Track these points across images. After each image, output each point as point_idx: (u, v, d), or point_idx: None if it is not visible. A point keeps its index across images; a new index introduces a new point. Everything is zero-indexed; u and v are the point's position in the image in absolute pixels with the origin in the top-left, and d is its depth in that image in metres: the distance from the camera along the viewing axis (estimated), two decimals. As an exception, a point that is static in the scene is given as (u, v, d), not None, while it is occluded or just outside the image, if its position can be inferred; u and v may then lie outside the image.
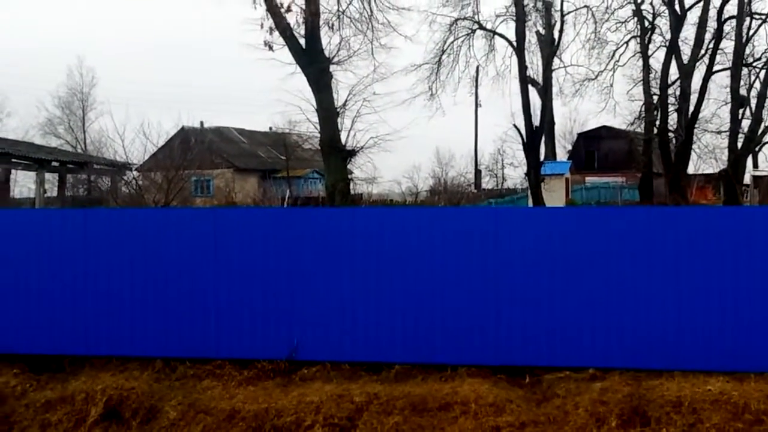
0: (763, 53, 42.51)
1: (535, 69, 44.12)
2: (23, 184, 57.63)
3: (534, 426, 13.18)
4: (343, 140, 34.14)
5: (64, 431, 14.10)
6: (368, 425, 13.43)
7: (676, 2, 41.23)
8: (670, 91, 42.41)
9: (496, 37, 43.39)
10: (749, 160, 46.74)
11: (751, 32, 42.09)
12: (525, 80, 41.52)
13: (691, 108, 40.95)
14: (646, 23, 43.48)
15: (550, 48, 42.56)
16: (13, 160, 44.44)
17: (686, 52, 41.68)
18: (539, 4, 42.92)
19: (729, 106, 41.73)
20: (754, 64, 43.30)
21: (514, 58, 42.13)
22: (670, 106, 42.41)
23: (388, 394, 13.90)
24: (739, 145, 41.21)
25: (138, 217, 16.75)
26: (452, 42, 42.59)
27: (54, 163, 47.86)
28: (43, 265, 15.86)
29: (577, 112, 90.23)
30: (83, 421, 14.16)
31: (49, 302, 15.78)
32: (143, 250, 15.63)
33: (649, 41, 43.68)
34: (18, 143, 52.28)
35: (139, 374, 15.02)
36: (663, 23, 43.51)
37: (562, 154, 78.56)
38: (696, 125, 42.28)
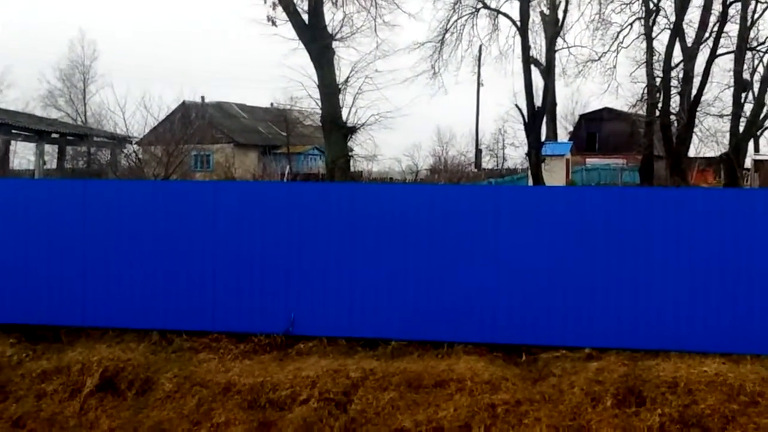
0: (767, 37, 42.42)
1: (538, 49, 44.01)
2: (23, 155, 57.50)
3: (529, 404, 13.21)
4: (344, 117, 34.09)
5: (59, 401, 14.11)
6: (364, 400, 13.46)
7: (682, -16, 41.00)
8: (673, 73, 42.19)
9: (499, 16, 43.37)
10: (750, 144, 46.54)
11: (756, 16, 41.87)
12: (528, 60, 41.34)
13: (694, 91, 40.75)
14: (651, 5, 43.21)
15: (553, 28, 42.38)
16: (13, 131, 44.36)
17: (690, 34, 41.46)
18: (544, -16, 42.79)
19: (732, 89, 41.54)
20: (758, 48, 43.12)
21: (518, 38, 41.99)
22: (672, 88, 42.20)
23: (384, 370, 13.92)
24: (741, 129, 41.08)
25: (137, 189, 16.70)
26: (456, 20, 42.56)
27: (54, 135, 47.77)
28: (41, 236, 15.84)
29: (580, 94, 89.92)
30: (79, 391, 14.18)
31: (45, 273, 15.78)
32: (141, 222, 15.61)
33: (654, 23, 43.43)
34: (18, 114, 52.12)
35: (136, 346, 15.04)
36: (668, 5, 43.29)
37: (563, 135, 78.39)
38: (698, 108, 42.08)
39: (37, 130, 45.10)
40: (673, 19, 42.10)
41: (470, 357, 14.22)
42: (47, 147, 48.12)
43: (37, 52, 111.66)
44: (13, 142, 48.58)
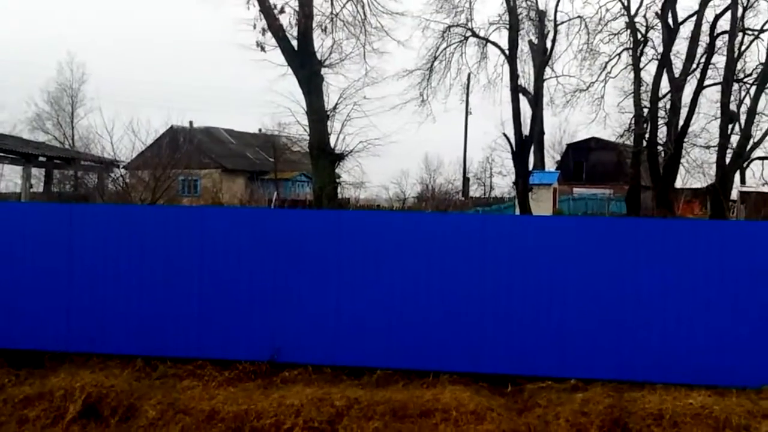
0: (754, 69, 42.65)
1: (526, 78, 44.22)
2: (9, 178, 57.22)
3: (514, 435, 13.16)
4: (332, 144, 34.11)
5: (41, 427, 13.99)
6: (348, 430, 13.37)
7: (669, 16, 41.28)
8: (661, 104, 42.45)
9: (488, 45, 43.53)
10: (737, 176, 46.78)
11: (743, 48, 42.29)
12: (516, 89, 41.53)
13: (681, 122, 41.01)
14: (639, 36, 43.56)
15: (542, 57, 42.63)
16: (0, 154, 44.20)
17: (678, 65, 41.78)
18: (533, 13, 43.05)
19: (719, 121, 41.77)
20: (745, 80, 43.50)
21: (506, 67, 42.24)
22: (659, 119, 42.46)
23: (369, 399, 13.85)
24: (728, 160, 41.26)
25: (123, 214, 16.62)
26: (444, 48, 42.69)
27: (41, 158, 47.62)
28: (26, 259, 15.76)
29: (567, 123, 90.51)
30: (61, 417, 14.05)
31: (30, 297, 15.68)
32: (126, 247, 15.55)
33: (641, 54, 43.77)
34: (5, 137, 51.94)
35: (120, 372, 14.94)
36: (656, 36, 43.65)
37: (550, 164, 78.69)
38: (685, 139, 42.35)
39: (24, 153, 44.96)
40: (660, 50, 42.50)
41: (456, 387, 14.16)
42: (34, 170, 47.95)
43: (25, 75, 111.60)
44: (0, 165, 48.40)
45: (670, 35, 41.31)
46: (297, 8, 32.09)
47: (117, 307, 15.50)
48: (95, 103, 67.09)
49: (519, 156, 41.98)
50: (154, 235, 15.60)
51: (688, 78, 41.52)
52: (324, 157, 33.28)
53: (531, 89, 43.82)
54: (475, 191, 71.81)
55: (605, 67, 45.34)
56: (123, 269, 15.55)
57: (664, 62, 41.63)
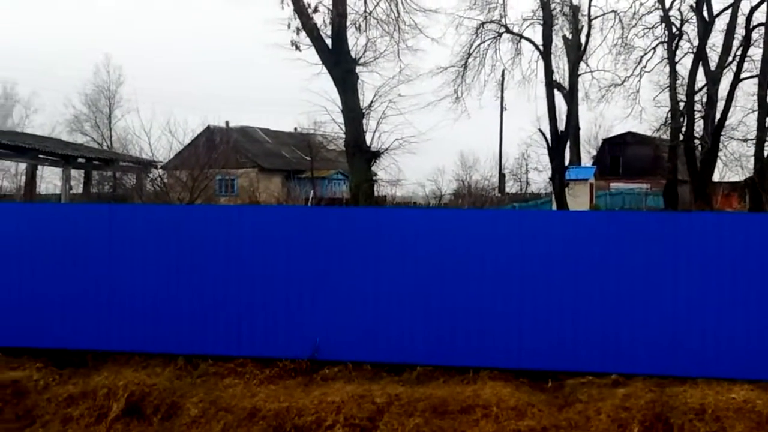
0: (791, 60, 42.14)
1: (561, 73, 44.16)
2: (49, 180, 57.97)
3: (555, 430, 13.13)
4: (367, 141, 34.16)
5: (85, 426, 14.12)
6: (389, 426, 13.40)
7: (704, 9, 40.98)
8: (697, 98, 42.15)
9: (522, 41, 43.42)
10: (775, 169, 46.33)
11: (780, 40, 41.80)
12: (551, 84, 41.44)
13: (718, 115, 40.67)
14: (674, 29, 43.22)
15: (576, 52, 42.51)
16: (40, 156, 44.68)
17: (714, 58, 41.46)
18: (566, 9, 42.98)
19: (756, 113, 41.36)
20: (782, 72, 42.98)
21: (541, 63, 42.18)
22: (696, 113, 42.17)
23: (410, 395, 13.87)
24: (766, 153, 40.86)
25: (163, 213, 16.78)
26: (478, 45, 42.65)
27: (80, 160, 48.12)
28: (68, 260, 15.91)
29: (603, 118, 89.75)
30: (105, 416, 14.18)
31: (72, 297, 15.82)
32: (166, 246, 15.66)
33: (677, 47, 43.43)
34: (45, 139, 52.61)
35: (161, 371, 15.04)
36: (691, 29, 43.33)
37: (586, 160, 78.31)
38: (722, 133, 42.00)
39: (63, 155, 45.45)
40: (696, 43, 42.18)
41: (496, 383, 14.16)
42: (73, 172, 48.44)
43: (63, 77, 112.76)
44: (39, 167, 48.87)
45: (705, 28, 41.02)
46: (331, 7, 32.27)
47: (158, 305, 15.61)
48: (132, 104, 67.85)
49: (555, 151, 41.89)
50: (193, 234, 15.69)
51: (725, 71, 41.18)
52: (360, 155, 33.35)
53: (566, 84, 43.74)
54: (511, 187, 71.62)
55: (640, 61, 45.01)
56: (163, 268, 15.67)
57: (700, 55, 41.35)
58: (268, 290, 15.38)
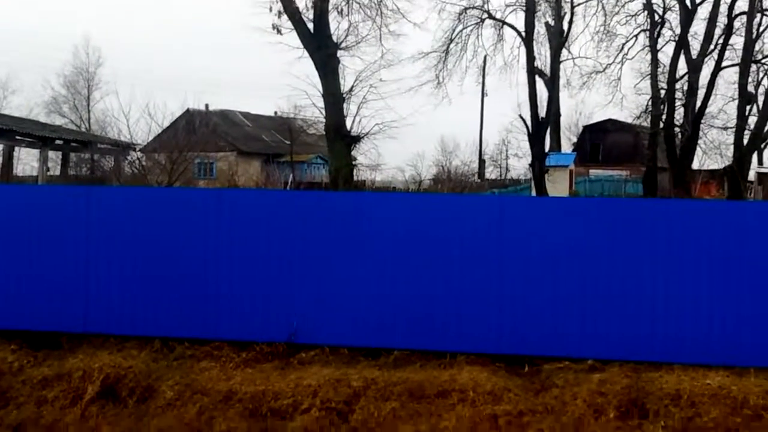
0: (772, 50, 42.38)
1: (543, 60, 44.22)
2: (26, 161, 57.56)
3: (531, 415, 13.15)
4: (348, 126, 34.14)
5: (60, 408, 14.05)
6: (365, 410, 13.40)
7: (687, -4, 41.09)
8: (678, 85, 42.38)
9: (504, 27, 43.48)
10: (754, 157, 46.57)
11: (762, 29, 41.97)
12: (532, 71, 41.40)
13: (698, 103, 40.89)
14: (656, 17, 43.41)
15: (558, 39, 42.49)
16: (17, 137, 44.46)
17: (695, 47, 41.66)
18: (549, -5, 42.87)
19: (736, 102, 41.59)
20: (763, 61, 43.25)
21: (523, 49, 42.10)
22: (677, 100, 42.38)
23: (386, 379, 13.87)
24: (745, 141, 41.08)
25: (140, 195, 16.69)
26: (461, 30, 42.66)
27: (58, 142, 47.91)
28: (43, 242, 15.79)
29: (584, 105, 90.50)
30: (80, 398, 14.11)
31: (48, 279, 15.72)
32: (143, 229, 15.57)
33: (659, 35, 43.62)
34: (22, 121, 52.24)
35: (137, 353, 14.98)
36: (673, 17, 43.52)
37: (567, 146, 78.40)
38: (702, 121, 42.28)
39: (40, 137, 45.21)
40: (678, 31, 42.36)
41: (473, 367, 14.15)
42: (51, 153, 48.27)
43: (42, 58, 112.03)
44: (16, 148, 48.64)
45: (687, 16, 41.13)
46: (313, -10, 32.12)
47: (134, 288, 15.53)
48: (111, 86, 67.70)
49: (535, 138, 41.89)
50: (170, 216, 15.61)
51: (706, 59, 41.37)
52: (340, 139, 33.35)
53: (547, 71, 43.75)
54: (491, 173, 71.85)
55: (622, 48, 45.30)
56: (139, 251, 15.57)
57: (682, 43, 41.48)
58: (246, 273, 15.32)
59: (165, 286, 15.45)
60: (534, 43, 41.65)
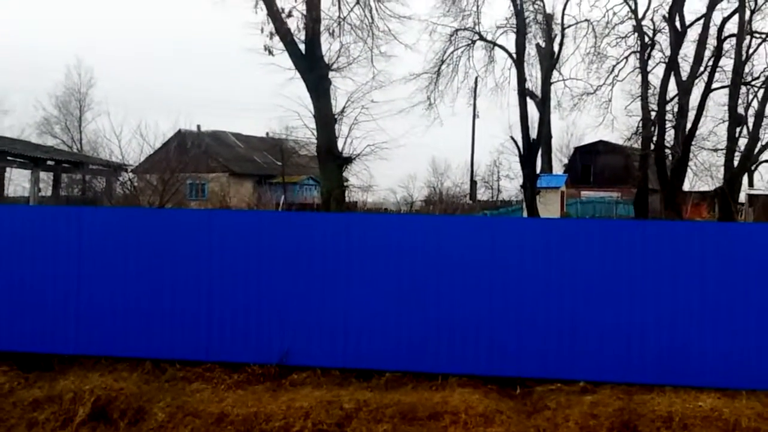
0: (761, 72, 42.53)
1: (534, 82, 44.37)
2: (18, 182, 57.32)
3: (524, 437, 13.14)
4: (339, 147, 34.12)
5: (51, 430, 14.01)
6: (357, 432, 13.38)
7: (677, 19, 41.24)
8: (668, 107, 42.43)
9: (495, 48, 43.68)
10: (745, 179, 46.72)
11: (751, 51, 42.14)
12: (524, 92, 41.58)
13: (689, 125, 40.96)
14: (647, 39, 43.50)
15: (549, 61, 42.67)
16: (9, 158, 44.40)
17: (685, 69, 41.73)
18: (540, 17, 43.17)
19: (726, 124, 41.72)
20: (753, 83, 43.31)
21: (514, 70, 42.31)
22: (667, 122, 42.43)
23: (378, 401, 13.84)
24: (736, 163, 41.20)
25: (132, 217, 16.66)
26: (452, 52, 42.84)
27: (49, 162, 47.85)
28: (35, 263, 15.77)
29: (575, 126, 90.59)
30: (71, 420, 14.07)
31: (39, 300, 15.68)
32: (135, 250, 15.56)
33: (649, 57, 43.71)
34: (14, 141, 52.17)
35: (128, 375, 14.94)
36: (663, 39, 43.60)
37: (558, 168, 78.54)
38: (693, 142, 42.34)
39: (32, 157, 45.15)
40: (668, 53, 42.46)
41: (464, 389, 14.14)
42: (42, 174, 48.17)
43: (34, 79, 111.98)
44: (8, 168, 48.55)
45: (677, 38, 41.28)
46: (305, 12, 32.15)
47: (126, 309, 15.49)
48: (103, 107, 67.69)
49: (527, 159, 42.03)
50: (162, 238, 15.61)
51: (696, 81, 41.48)
52: (332, 160, 33.30)
53: (538, 93, 43.93)
54: (482, 195, 71.65)
55: (613, 70, 45.33)
56: (131, 272, 15.56)
57: (672, 65, 41.60)
58: (238, 295, 15.31)
59: (156, 307, 15.42)
60: (525, 64, 41.92)
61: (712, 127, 44.62)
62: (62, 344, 15.63)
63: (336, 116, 33.80)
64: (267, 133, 73.07)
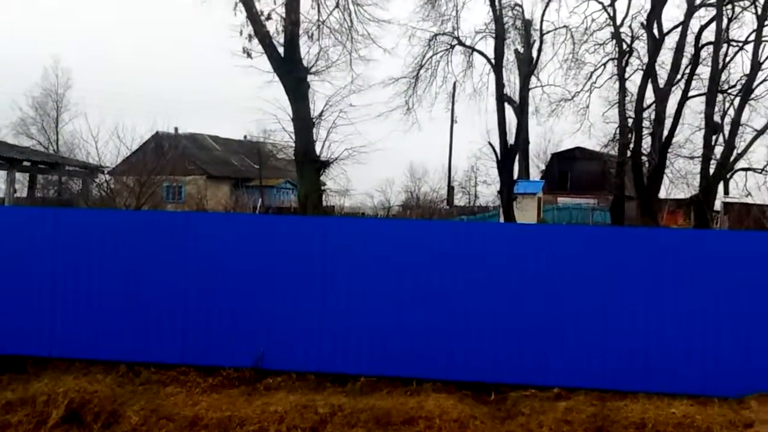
0: (738, 80, 42.71)
1: (512, 87, 44.55)
2: (-7, 183, 57.14)
3: (497, 443, 13.17)
4: (317, 151, 34.10)
5: (24, 433, 13.94)
6: (332, 437, 13.37)
7: (655, 26, 41.38)
8: (645, 114, 42.57)
9: (474, 53, 43.73)
10: (720, 187, 46.88)
11: (728, 59, 42.38)
12: (502, 98, 41.68)
13: (665, 132, 41.13)
14: (624, 46, 43.66)
15: (527, 67, 42.84)
16: (-16, 158, 44.11)
17: (663, 76, 41.90)
18: (519, 23, 43.37)
19: (703, 131, 41.87)
20: (729, 91, 43.51)
21: (492, 76, 42.42)
22: (644, 129, 42.57)
23: (353, 406, 13.83)
24: (711, 171, 41.38)
25: (107, 218, 16.61)
26: (431, 57, 42.92)
27: (25, 163, 47.51)
28: (9, 264, 15.71)
29: (552, 132, 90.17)
30: (44, 423, 13.97)
31: (13, 302, 15.62)
32: (110, 252, 15.51)
33: (627, 64, 43.87)
34: (-11, 142, 51.91)
35: (103, 378, 14.86)
36: (641, 47, 43.78)
37: (535, 174, 78.86)
38: (669, 150, 42.49)
39: (8, 158, 44.84)
40: (645, 60, 42.60)
41: (439, 395, 14.16)
42: (18, 175, 47.84)
43: (10, 79, 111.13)
44: (-17, 169, 48.26)
45: (655, 46, 41.45)
46: (284, 15, 32.18)
47: (100, 311, 15.44)
48: (80, 108, 67.17)
49: (504, 165, 42.12)
50: (137, 240, 15.56)
51: (673, 88, 41.66)
52: (309, 164, 33.28)
53: (516, 98, 44.07)
54: (459, 200, 71.92)
55: (590, 77, 45.57)
56: (105, 274, 15.50)
57: (649, 72, 41.77)
58: (212, 298, 15.28)
59: (131, 310, 15.38)
60: (503, 70, 42.08)
61: (689, 134, 44.82)
62: (36, 346, 15.55)
63: (314, 120, 33.81)
64: (245, 136, 73.11)
